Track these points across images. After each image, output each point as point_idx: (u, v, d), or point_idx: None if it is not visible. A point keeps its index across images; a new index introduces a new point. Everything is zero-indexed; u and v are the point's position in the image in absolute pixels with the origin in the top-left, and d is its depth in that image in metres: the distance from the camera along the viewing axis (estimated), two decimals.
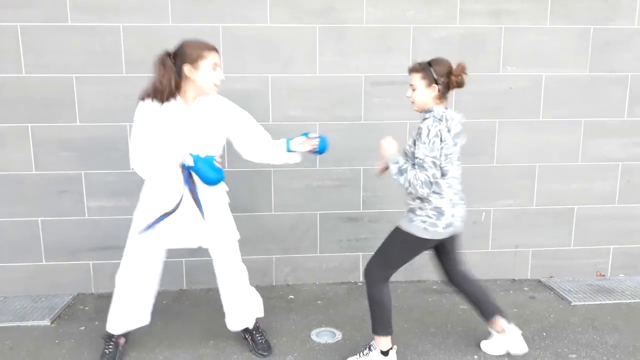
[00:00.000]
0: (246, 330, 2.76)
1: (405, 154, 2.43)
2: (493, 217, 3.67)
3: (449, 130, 2.35)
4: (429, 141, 2.28)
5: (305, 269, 3.64)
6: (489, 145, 3.57)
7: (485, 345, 2.77)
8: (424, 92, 2.39)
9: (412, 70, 2.42)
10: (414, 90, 2.41)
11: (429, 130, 2.29)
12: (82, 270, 3.47)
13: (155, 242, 2.43)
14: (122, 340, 2.68)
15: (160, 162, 2.27)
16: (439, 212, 2.39)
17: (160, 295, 3.46)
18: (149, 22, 3.22)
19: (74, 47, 3.22)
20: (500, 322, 2.65)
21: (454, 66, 2.38)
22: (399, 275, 3.69)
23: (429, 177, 2.29)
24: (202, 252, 3.52)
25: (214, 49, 2.28)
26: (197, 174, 2.24)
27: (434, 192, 2.37)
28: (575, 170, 3.65)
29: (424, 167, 2.29)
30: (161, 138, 2.29)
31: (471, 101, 3.48)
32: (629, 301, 3.37)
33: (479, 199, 3.63)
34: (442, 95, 2.41)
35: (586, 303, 3.34)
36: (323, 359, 2.69)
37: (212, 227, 2.48)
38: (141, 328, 3.01)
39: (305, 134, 2.56)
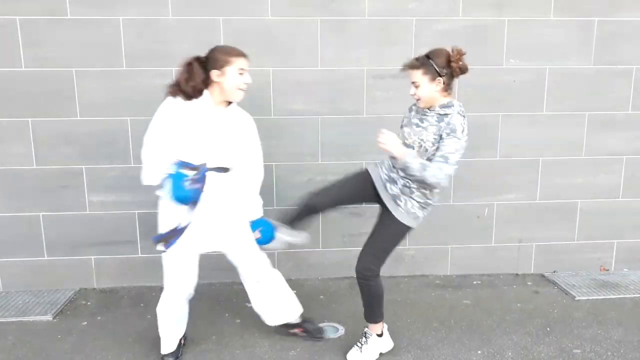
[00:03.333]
0: (288, 325, 2.81)
1: (426, 152, 2.33)
2: (496, 211, 3.65)
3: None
4: (463, 138, 2.27)
5: (308, 264, 3.63)
6: (492, 139, 3.54)
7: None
8: (429, 88, 2.30)
9: (410, 67, 2.32)
10: (417, 87, 2.32)
11: (463, 128, 2.28)
12: (83, 265, 3.46)
13: (184, 250, 2.40)
14: (182, 341, 2.68)
15: (159, 163, 2.29)
16: (428, 205, 2.47)
17: (161, 289, 3.44)
18: (149, 15, 3.19)
19: (74, 40, 3.19)
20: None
21: (451, 53, 2.29)
22: (401, 270, 3.68)
23: (451, 171, 2.27)
24: None
25: (242, 54, 2.30)
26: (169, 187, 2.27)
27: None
28: (579, 164, 3.62)
29: (449, 160, 2.25)
30: (184, 135, 2.27)
31: (474, 94, 3.45)
32: (633, 296, 3.35)
33: (482, 193, 3.61)
34: (448, 87, 2.32)
35: (590, 298, 3.32)
36: (326, 354, 2.68)
37: (228, 231, 2.48)
38: (141, 324, 3.00)
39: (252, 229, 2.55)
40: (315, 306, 3.22)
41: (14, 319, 3.05)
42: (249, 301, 3.28)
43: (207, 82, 2.28)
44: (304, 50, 3.33)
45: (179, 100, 2.27)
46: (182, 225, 2.33)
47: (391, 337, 2.78)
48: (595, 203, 3.69)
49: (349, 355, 2.60)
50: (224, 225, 2.44)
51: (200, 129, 2.28)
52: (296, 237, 2.64)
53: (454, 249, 3.69)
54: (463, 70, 2.29)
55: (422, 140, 2.33)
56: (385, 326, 2.68)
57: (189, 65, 2.28)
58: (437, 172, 2.24)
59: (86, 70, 3.22)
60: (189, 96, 2.26)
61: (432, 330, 2.92)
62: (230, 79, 2.25)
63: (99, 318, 3.08)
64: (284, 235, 2.61)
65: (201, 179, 2.28)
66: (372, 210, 3.56)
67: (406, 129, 2.43)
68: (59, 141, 3.30)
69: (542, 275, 3.71)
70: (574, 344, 2.77)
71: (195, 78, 2.25)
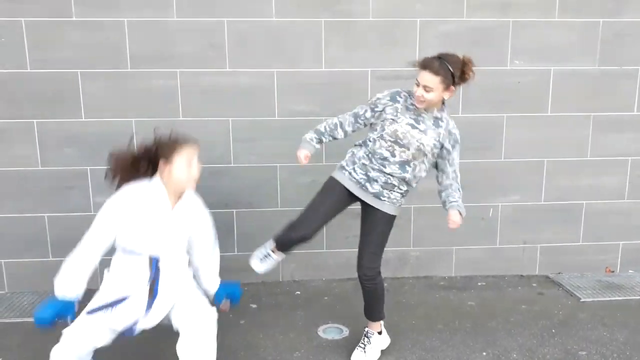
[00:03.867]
0: None
1: (424, 155, 2.36)
2: (501, 213, 3.64)
3: None
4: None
5: (312, 265, 3.62)
6: (496, 140, 3.54)
7: (262, 266, 2.66)
8: (440, 95, 2.26)
9: (431, 70, 2.21)
10: (428, 91, 2.23)
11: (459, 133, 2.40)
12: None
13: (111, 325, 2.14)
14: None
15: (83, 275, 2.11)
16: (408, 193, 2.53)
17: None
18: (154, 17, 3.20)
19: (79, 42, 3.20)
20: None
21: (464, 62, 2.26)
22: (406, 271, 3.68)
23: None
24: None
25: (191, 143, 2.14)
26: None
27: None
28: (584, 165, 3.61)
29: (458, 173, 2.43)
30: (134, 229, 2.09)
31: (478, 95, 3.45)
32: (638, 297, 3.33)
33: (486, 195, 3.60)
34: None
35: (595, 299, 3.31)
36: (330, 355, 2.67)
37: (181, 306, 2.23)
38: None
39: (218, 301, 2.35)
40: (319, 307, 3.22)
41: (19, 320, 3.06)
42: (253, 302, 3.29)
43: (155, 171, 2.14)
44: (308, 51, 3.33)
45: (128, 194, 2.09)
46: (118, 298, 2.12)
47: (395, 338, 2.78)
48: (601, 204, 3.68)
49: (353, 357, 2.60)
50: (170, 307, 2.20)
51: (153, 223, 2.10)
52: (273, 259, 2.65)
53: (458, 250, 3.68)
54: (470, 79, 2.29)
55: (421, 144, 2.33)
56: (382, 322, 2.69)
57: (134, 158, 2.15)
58: (460, 193, 2.46)
59: (91, 71, 3.23)
60: (134, 178, 2.13)
61: (436, 332, 2.91)
62: (178, 169, 2.07)
63: None
64: (264, 264, 2.65)
65: (153, 269, 2.11)
66: None
67: (399, 128, 2.32)
68: (64, 142, 3.31)
69: (547, 277, 3.70)
70: (579, 345, 2.76)
71: (141, 169, 2.13)
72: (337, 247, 3.59)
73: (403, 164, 2.36)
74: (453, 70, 2.22)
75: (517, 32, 3.40)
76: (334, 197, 2.48)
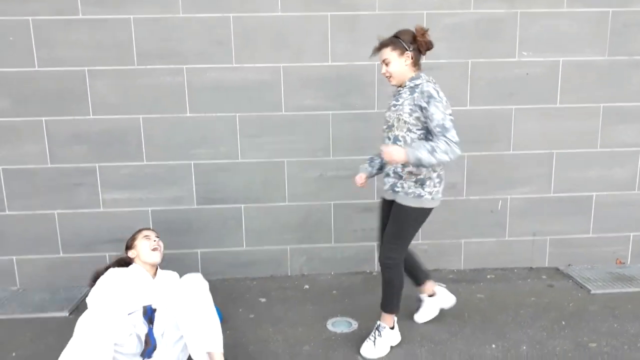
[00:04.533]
0: None
1: (405, 124, 2.41)
2: (510, 205, 3.62)
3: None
4: (442, 99, 2.33)
5: (321, 259, 3.63)
6: (505, 132, 3.52)
7: (419, 316, 2.94)
8: (399, 63, 2.43)
9: (380, 45, 2.47)
10: (387, 64, 2.45)
11: (437, 91, 2.34)
12: (98, 262, 3.49)
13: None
14: None
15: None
16: (441, 178, 2.51)
17: None
18: (160, 14, 3.21)
19: (86, 40, 3.22)
20: (429, 285, 2.89)
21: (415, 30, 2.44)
22: None
23: (455, 136, 2.29)
24: (216, 243, 3.53)
25: (143, 229, 2.64)
26: None
27: None
28: (594, 156, 3.58)
29: (446, 127, 2.30)
30: (124, 299, 2.39)
31: (487, 88, 3.43)
32: None
33: (495, 187, 3.59)
34: (417, 62, 2.45)
35: (606, 291, 3.29)
36: (339, 349, 2.68)
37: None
38: None
39: None
40: (328, 301, 3.22)
41: (31, 316, 3.10)
42: (262, 296, 3.31)
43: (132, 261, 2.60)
44: (314, 45, 3.33)
45: (116, 270, 2.49)
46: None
47: (405, 331, 2.78)
48: (611, 196, 3.65)
49: (362, 349, 2.61)
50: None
51: (139, 292, 2.43)
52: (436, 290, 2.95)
53: (467, 243, 3.67)
54: (428, 45, 2.43)
55: (399, 114, 2.42)
56: (395, 319, 2.69)
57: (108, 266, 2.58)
58: (446, 147, 2.26)
59: (98, 69, 3.25)
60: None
61: (445, 324, 2.91)
62: (141, 248, 2.55)
63: None
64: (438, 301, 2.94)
65: (147, 318, 2.37)
66: None
67: (387, 113, 2.54)
68: (72, 140, 3.33)
69: (557, 269, 3.68)
70: (589, 337, 2.74)
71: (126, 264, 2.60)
72: (345, 241, 3.59)
73: (395, 141, 2.47)
74: (401, 37, 2.42)
75: (525, 23, 3.37)
76: (385, 212, 2.69)
